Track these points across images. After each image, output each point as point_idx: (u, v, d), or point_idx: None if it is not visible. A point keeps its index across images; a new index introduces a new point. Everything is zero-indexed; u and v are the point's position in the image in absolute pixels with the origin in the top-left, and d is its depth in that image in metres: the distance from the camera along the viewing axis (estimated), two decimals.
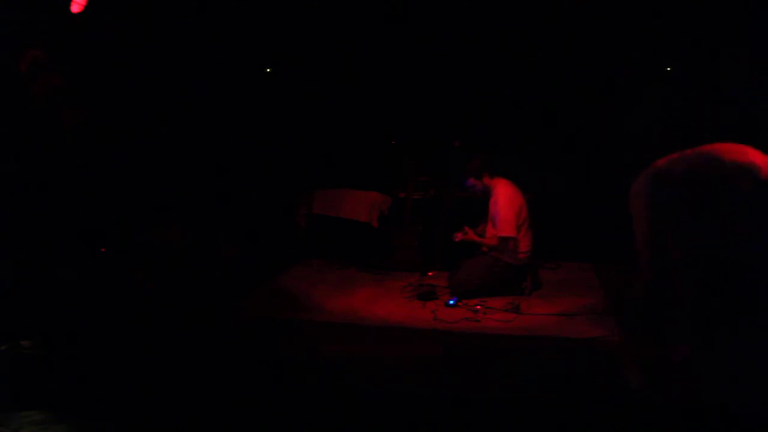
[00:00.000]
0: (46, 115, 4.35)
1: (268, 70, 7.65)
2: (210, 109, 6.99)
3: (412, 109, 7.45)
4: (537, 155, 7.00)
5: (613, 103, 6.79)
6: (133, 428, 3.48)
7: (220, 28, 6.59)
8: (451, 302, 5.57)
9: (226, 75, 7.00)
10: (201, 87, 6.83)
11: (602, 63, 6.76)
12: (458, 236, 5.87)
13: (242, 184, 7.15)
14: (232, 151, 7.17)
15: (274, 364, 4.24)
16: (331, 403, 3.72)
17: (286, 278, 6.32)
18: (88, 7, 4.83)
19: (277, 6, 6.76)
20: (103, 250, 5.25)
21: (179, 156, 6.70)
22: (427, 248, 6.69)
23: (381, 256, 6.78)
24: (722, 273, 3.30)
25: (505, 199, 5.73)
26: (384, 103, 7.49)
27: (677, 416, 3.41)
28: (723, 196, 3.26)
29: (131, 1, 5.66)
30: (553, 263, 6.75)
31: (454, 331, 4.97)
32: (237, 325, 5.03)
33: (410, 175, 6.85)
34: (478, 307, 5.50)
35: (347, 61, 7.42)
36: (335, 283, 6.24)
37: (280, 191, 7.33)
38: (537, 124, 7.16)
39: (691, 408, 3.43)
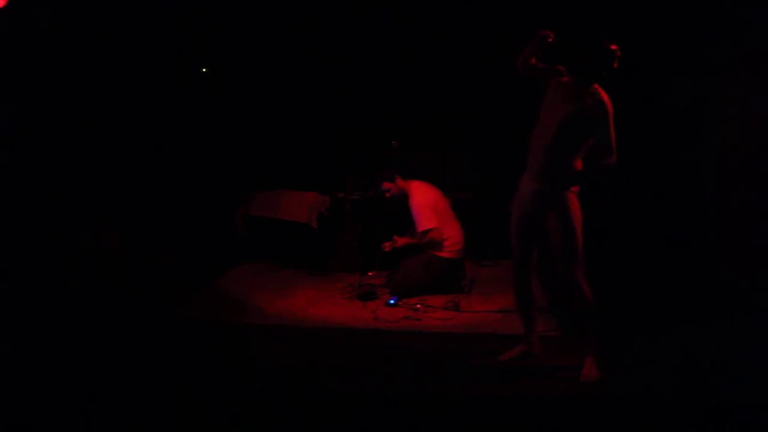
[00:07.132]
0: None
1: (204, 70, 7.54)
2: (145, 110, 6.85)
3: (350, 109, 7.43)
4: (475, 154, 7.06)
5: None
6: None
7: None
8: (391, 302, 5.58)
9: (159, 74, 6.86)
10: (136, 87, 6.69)
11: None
12: (387, 246, 5.90)
13: (179, 187, 7.03)
14: (167, 153, 7.04)
15: (214, 369, 4.17)
16: (272, 407, 3.68)
17: (224, 281, 6.22)
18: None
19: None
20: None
21: (114, 158, 6.56)
22: (366, 248, 6.68)
23: (320, 257, 6.74)
24: None
25: (418, 196, 5.87)
26: (322, 103, 7.45)
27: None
28: None
29: None
30: (492, 261, 6.81)
31: (395, 330, 4.98)
32: (176, 331, 4.93)
33: (349, 176, 6.82)
34: (418, 305, 5.52)
35: (285, 60, 7.36)
36: (275, 285, 6.16)
37: (217, 193, 7.21)
38: (475, 124, 7.21)
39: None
